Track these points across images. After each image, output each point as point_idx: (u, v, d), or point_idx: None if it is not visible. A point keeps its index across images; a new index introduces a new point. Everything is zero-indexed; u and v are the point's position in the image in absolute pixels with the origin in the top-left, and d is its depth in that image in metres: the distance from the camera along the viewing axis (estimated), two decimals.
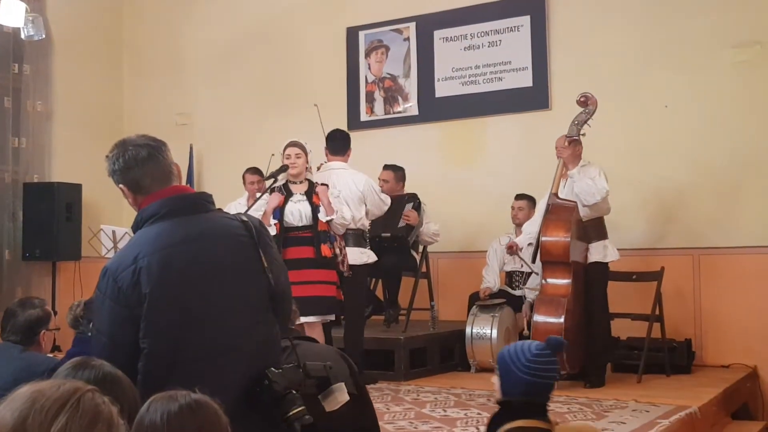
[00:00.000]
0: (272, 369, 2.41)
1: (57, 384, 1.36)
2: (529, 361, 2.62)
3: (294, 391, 2.41)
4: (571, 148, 5.68)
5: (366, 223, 5.99)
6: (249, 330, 2.49)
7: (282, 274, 2.67)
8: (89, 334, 3.23)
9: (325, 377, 2.54)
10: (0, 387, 2.93)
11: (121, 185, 2.64)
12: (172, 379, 2.31)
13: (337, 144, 6.10)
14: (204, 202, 2.65)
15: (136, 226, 2.59)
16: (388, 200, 6.17)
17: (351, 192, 5.79)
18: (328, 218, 5.36)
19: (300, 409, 2.38)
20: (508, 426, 2.57)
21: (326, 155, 6.17)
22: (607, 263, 5.79)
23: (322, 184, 5.52)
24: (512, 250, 6.04)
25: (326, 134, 6.23)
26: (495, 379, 2.69)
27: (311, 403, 2.50)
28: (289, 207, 5.46)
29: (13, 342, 3.43)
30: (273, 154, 6.56)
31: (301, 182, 5.53)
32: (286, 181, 5.57)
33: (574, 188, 5.63)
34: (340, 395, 2.54)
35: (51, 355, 3.60)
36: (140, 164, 2.59)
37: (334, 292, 5.32)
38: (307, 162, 5.56)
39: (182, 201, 2.59)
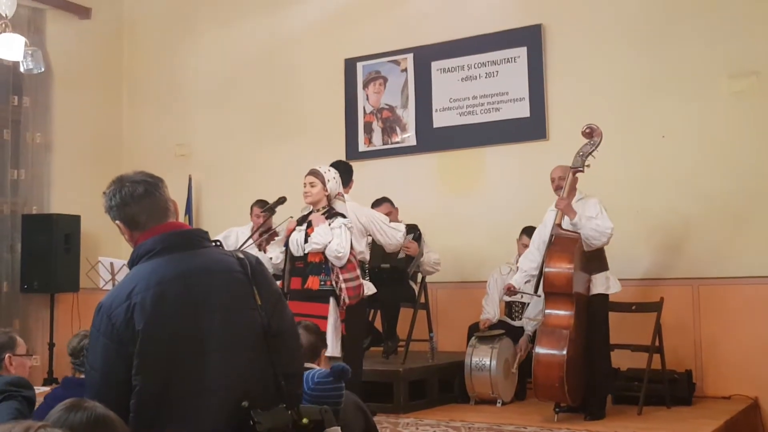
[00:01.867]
0: (258, 410, 2.37)
1: (8, 428, 1.36)
2: (312, 388, 2.83)
3: None
4: (568, 198, 5.66)
5: (366, 256, 5.97)
6: (241, 368, 2.46)
7: (279, 311, 2.63)
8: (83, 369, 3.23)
9: (320, 420, 2.50)
10: None
11: (117, 221, 2.63)
12: (163, 416, 2.32)
13: (342, 176, 6.10)
14: (199, 238, 2.65)
15: (132, 263, 2.58)
16: (402, 227, 6.13)
17: (354, 224, 5.78)
18: (308, 249, 5.34)
19: None
20: None
21: None
22: (608, 295, 5.77)
23: (341, 216, 5.46)
24: (510, 292, 6.04)
25: (329, 165, 6.23)
26: None
27: None
28: (292, 236, 5.47)
29: None
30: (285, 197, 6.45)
31: (317, 210, 5.52)
32: (311, 210, 5.57)
33: (581, 233, 5.60)
34: None
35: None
36: (137, 200, 2.59)
37: (323, 327, 5.25)
38: (326, 189, 5.51)
39: (178, 237, 2.59)
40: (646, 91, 6.98)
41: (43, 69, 6.62)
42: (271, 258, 5.89)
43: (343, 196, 5.69)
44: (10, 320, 7.95)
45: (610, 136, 6.53)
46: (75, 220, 8.32)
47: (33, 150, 8.51)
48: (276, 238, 6.15)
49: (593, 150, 5.75)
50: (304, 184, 5.52)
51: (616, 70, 7.12)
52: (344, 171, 6.18)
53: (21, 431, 1.35)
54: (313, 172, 5.54)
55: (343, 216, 5.48)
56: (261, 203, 7.21)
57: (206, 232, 2.72)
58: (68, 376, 3.62)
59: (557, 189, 5.84)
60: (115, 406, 2.27)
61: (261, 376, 2.49)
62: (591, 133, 5.79)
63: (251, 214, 7.27)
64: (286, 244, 5.53)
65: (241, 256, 2.64)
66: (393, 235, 6.00)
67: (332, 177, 5.55)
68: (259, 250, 6.50)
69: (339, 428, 2.52)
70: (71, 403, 1.98)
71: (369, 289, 5.93)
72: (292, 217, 5.85)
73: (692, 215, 6.71)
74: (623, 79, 7.08)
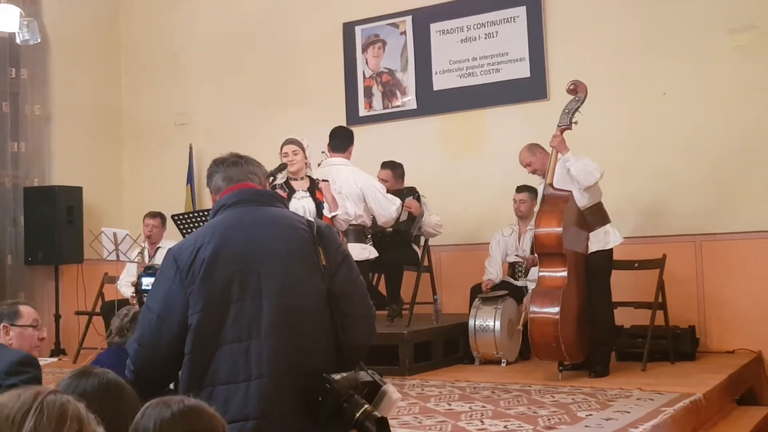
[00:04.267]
0: (328, 375, 2.41)
1: (17, 393, 1.37)
2: None
3: (355, 394, 2.41)
4: (562, 136, 5.65)
5: (367, 221, 5.97)
6: (296, 319, 2.51)
7: (344, 273, 2.65)
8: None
9: (372, 381, 2.52)
10: None
11: (209, 190, 2.86)
12: (215, 358, 2.43)
13: (339, 141, 6.11)
14: (271, 197, 2.81)
15: (210, 219, 2.77)
16: (398, 202, 6.11)
17: (350, 188, 5.79)
18: (333, 214, 5.37)
19: (366, 407, 2.37)
20: None
21: (328, 152, 6.18)
22: (610, 250, 5.76)
23: (323, 180, 5.52)
24: (532, 262, 6.09)
25: (330, 131, 6.23)
26: None
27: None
28: (293, 204, 5.47)
29: None
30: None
31: (301, 179, 5.53)
32: (287, 178, 5.58)
33: (571, 170, 5.58)
34: (393, 393, 2.54)
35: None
36: (220, 169, 2.82)
37: None
38: (306, 158, 5.55)
39: (250, 192, 2.75)
40: (646, 48, 6.93)
41: (39, 40, 6.58)
42: None
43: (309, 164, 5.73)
44: (15, 292, 7.99)
45: (611, 94, 6.52)
46: (77, 191, 8.33)
47: (32, 122, 8.49)
48: None
49: (579, 106, 5.68)
50: (286, 153, 5.53)
51: (616, 27, 7.07)
52: (344, 136, 6.18)
53: (30, 397, 1.37)
54: (293, 141, 5.56)
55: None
56: None
57: (283, 198, 2.89)
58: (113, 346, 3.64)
59: (533, 173, 5.92)
60: (166, 348, 2.45)
61: (320, 336, 2.53)
62: (575, 89, 5.74)
63: None
64: None
65: (310, 219, 2.77)
66: (387, 207, 6.00)
67: (307, 145, 5.60)
68: None
69: (391, 385, 2.56)
70: (81, 370, 2.01)
71: (371, 253, 5.95)
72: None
73: (694, 171, 6.70)
74: (623, 36, 7.03)
